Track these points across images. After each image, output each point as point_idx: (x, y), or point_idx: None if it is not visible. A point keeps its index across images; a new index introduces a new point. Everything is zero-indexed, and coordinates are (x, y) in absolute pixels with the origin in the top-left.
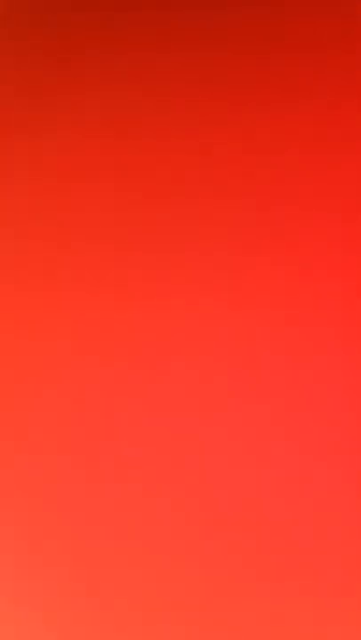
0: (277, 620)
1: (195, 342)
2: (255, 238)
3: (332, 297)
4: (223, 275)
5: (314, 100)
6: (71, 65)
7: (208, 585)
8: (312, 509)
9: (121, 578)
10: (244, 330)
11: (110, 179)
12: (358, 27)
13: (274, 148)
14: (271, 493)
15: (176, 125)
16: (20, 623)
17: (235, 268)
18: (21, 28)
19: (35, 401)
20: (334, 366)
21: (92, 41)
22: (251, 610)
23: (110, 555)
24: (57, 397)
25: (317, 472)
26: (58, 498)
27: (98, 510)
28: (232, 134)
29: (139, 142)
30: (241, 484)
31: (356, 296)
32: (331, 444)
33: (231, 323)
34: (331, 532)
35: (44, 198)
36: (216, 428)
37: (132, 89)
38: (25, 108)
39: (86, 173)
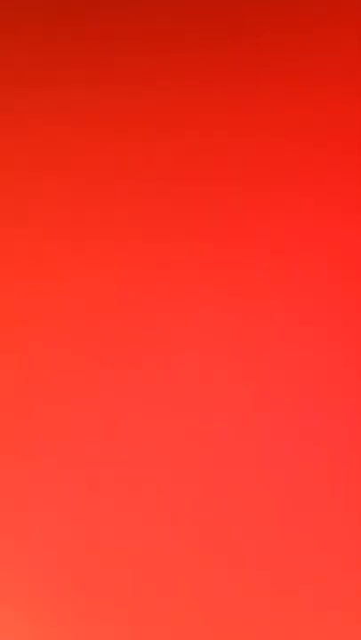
0: (279, 618)
1: (195, 331)
2: (254, 227)
3: (332, 284)
4: (223, 261)
5: (316, 90)
6: (70, 60)
7: (208, 587)
8: (314, 503)
9: (120, 580)
10: (243, 317)
11: (110, 168)
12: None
13: (274, 137)
14: (274, 492)
15: (176, 116)
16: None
17: (234, 255)
18: (18, 24)
19: (33, 395)
20: (335, 357)
21: (90, 36)
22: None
23: (110, 561)
24: (55, 390)
25: (320, 468)
26: (57, 496)
27: (98, 514)
28: (232, 124)
29: (138, 133)
30: (243, 484)
31: (356, 284)
32: (334, 437)
33: (231, 309)
34: (331, 528)
35: (43, 188)
36: (216, 422)
37: (131, 81)
38: (24, 100)
39: (85, 164)
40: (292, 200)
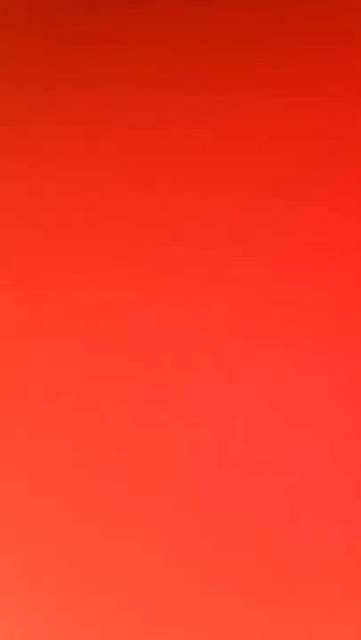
0: (278, 618)
1: (193, 339)
2: (254, 233)
3: (331, 291)
4: (222, 269)
5: (314, 96)
6: (70, 61)
7: (208, 586)
8: (313, 501)
9: (120, 577)
10: (242, 325)
11: (109, 175)
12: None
13: (273, 143)
14: (271, 492)
15: (175, 122)
16: (20, 621)
17: (233, 263)
18: (21, 27)
19: (33, 396)
20: (334, 364)
21: (91, 38)
22: (251, 611)
23: (108, 555)
24: (54, 395)
25: (318, 470)
26: (56, 493)
27: (97, 510)
28: (230, 130)
29: (137, 138)
30: (241, 483)
31: (355, 289)
32: (331, 440)
33: (229, 318)
34: (332, 529)
35: (42, 196)
36: (213, 426)
37: (131, 86)
38: (24, 103)
39: (85, 171)
40: (294, 213)
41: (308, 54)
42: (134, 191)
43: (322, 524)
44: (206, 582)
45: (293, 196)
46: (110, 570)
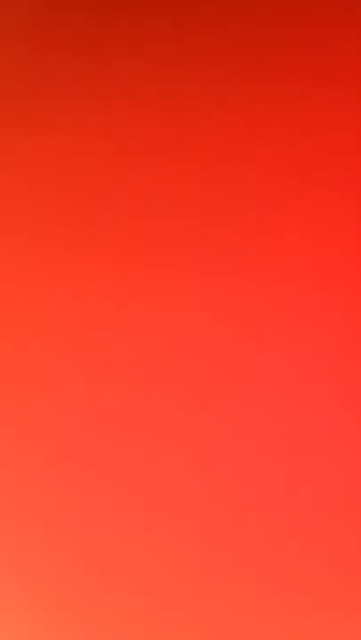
0: (277, 617)
1: (194, 338)
2: (255, 230)
3: (333, 285)
4: (223, 262)
5: (315, 89)
6: (71, 65)
7: (207, 586)
8: (313, 506)
9: (121, 578)
10: (243, 318)
11: (109, 174)
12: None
13: (275, 140)
14: (273, 499)
15: (175, 121)
16: (22, 622)
17: (235, 256)
18: (22, 27)
19: (35, 400)
20: (336, 362)
21: (91, 39)
22: (250, 610)
23: (110, 556)
24: (57, 394)
25: (319, 470)
26: (58, 497)
27: (99, 512)
28: (231, 122)
29: (137, 140)
30: (242, 485)
31: (356, 282)
32: (333, 437)
33: (230, 312)
34: (331, 529)
35: (43, 197)
36: (216, 427)
37: (132, 89)
38: (25, 108)
39: (85, 172)
40: (292, 208)
41: (314, 49)
42: (133, 191)
43: (323, 509)
44: (207, 583)
45: (294, 189)
46: (110, 569)
